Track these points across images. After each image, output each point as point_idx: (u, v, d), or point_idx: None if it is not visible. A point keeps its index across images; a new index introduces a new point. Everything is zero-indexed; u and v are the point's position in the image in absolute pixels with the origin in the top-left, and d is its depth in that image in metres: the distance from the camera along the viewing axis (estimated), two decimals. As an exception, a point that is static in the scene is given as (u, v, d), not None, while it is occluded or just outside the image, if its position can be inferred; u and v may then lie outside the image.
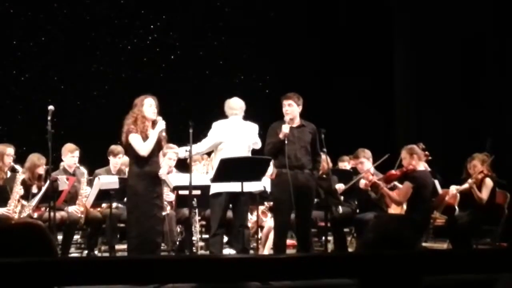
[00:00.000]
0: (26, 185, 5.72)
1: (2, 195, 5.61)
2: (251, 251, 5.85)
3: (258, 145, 5.54)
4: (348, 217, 6.18)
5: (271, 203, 6.24)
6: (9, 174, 5.78)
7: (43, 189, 5.60)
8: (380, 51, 9.51)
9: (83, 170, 6.23)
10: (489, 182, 6.07)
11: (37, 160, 5.85)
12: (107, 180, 5.90)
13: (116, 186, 5.79)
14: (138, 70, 9.43)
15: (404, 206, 5.87)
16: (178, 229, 6.47)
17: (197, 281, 1.49)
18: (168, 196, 6.20)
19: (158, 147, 5.05)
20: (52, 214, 5.29)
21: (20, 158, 5.95)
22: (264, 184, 5.61)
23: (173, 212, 6.28)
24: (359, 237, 6.04)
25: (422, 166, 5.95)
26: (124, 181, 5.57)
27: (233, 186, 5.15)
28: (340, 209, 6.16)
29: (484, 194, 6.05)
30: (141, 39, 9.69)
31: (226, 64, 9.83)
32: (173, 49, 9.79)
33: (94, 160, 6.76)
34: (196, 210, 6.05)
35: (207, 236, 6.16)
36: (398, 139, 8.73)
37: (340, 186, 6.11)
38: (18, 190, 5.62)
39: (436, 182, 6.35)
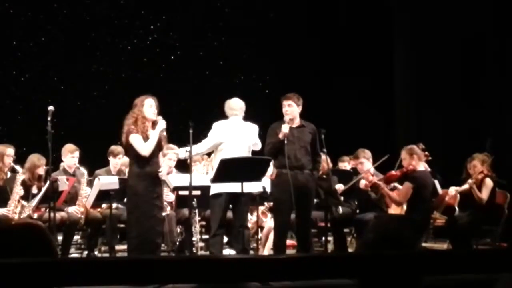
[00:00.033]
0: (26, 185, 5.72)
1: (2, 195, 5.61)
2: (251, 252, 5.85)
3: (258, 146, 5.54)
4: (348, 218, 6.18)
5: (271, 203, 6.24)
6: (9, 174, 5.78)
7: (43, 189, 5.60)
8: (380, 51, 9.51)
9: (83, 170, 6.23)
10: (489, 182, 6.07)
11: (37, 160, 5.85)
12: (107, 181, 5.90)
13: (116, 186, 5.79)
14: (138, 70, 9.43)
15: (404, 207, 5.87)
16: (178, 230, 6.47)
17: (197, 282, 1.48)
18: (168, 196, 6.20)
19: (158, 147, 5.05)
20: (52, 214, 5.29)
21: (20, 159, 5.95)
22: (264, 184, 5.61)
23: (173, 212, 6.28)
24: (359, 238, 6.04)
25: (422, 166, 5.95)
26: (124, 181, 5.57)
27: (233, 187, 5.15)
28: (340, 209, 6.16)
29: (484, 194, 6.05)
30: (141, 39, 9.69)
31: (226, 64, 9.83)
32: (173, 49, 9.79)
33: (94, 160, 6.76)
34: (196, 211, 6.05)
35: (207, 236, 6.16)
36: (398, 139, 8.73)
37: (339, 187, 6.11)
38: (18, 190, 5.62)
39: (436, 182, 6.35)
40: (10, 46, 9.10)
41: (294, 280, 1.62)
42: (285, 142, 5.22)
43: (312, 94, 7.27)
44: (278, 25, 9.70)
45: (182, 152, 5.50)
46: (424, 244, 6.55)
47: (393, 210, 5.97)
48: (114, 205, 6.16)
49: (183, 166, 6.09)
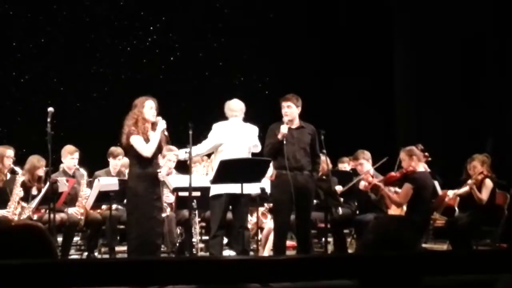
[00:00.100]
0: (26, 187, 5.72)
1: (2, 197, 5.62)
2: (251, 253, 5.85)
3: (258, 148, 5.54)
4: (348, 218, 6.18)
5: (271, 204, 6.24)
6: (9, 176, 5.78)
7: (43, 191, 5.60)
8: (380, 51, 9.51)
9: (83, 171, 6.23)
10: (489, 183, 6.07)
11: (36, 162, 5.85)
12: (107, 182, 5.90)
13: (116, 187, 5.79)
14: (138, 72, 9.43)
15: (404, 208, 5.87)
16: (178, 231, 6.47)
17: (197, 283, 1.48)
18: (168, 197, 6.20)
19: (158, 148, 5.06)
20: (52, 215, 5.29)
21: (20, 160, 5.95)
22: (264, 185, 5.61)
23: (173, 213, 6.28)
24: (359, 238, 6.04)
25: (422, 167, 5.95)
26: (123, 182, 5.57)
27: (233, 188, 5.15)
28: (340, 210, 6.16)
29: (484, 195, 6.05)
30: (141, 40, 9.69)
31: (226, 65, 9.84)
32: (172, 50, 9.79)
33: (93, 161, 6.76)
34: (196, 212, 6.05)
35: (207, 237, 6.16)
36: (398, 139, 8.74)
37: (338, 188, 6.10)
38: (18, 192, 5.62)
39: (436, 183, 6.35)
40: (10, 47, 9.10)
41: (294, 281, 1.61)
42: (284, 143, 5.22)
43: (312, 94, 7.27)
44: (278, 25, 9.70)
45: (182, 153, 5.50)
46: (424, 245, 6.55)
47: (393, 211, 5.97)
48: (114, 206, 6.16)
49: (183, 167, 6.09)
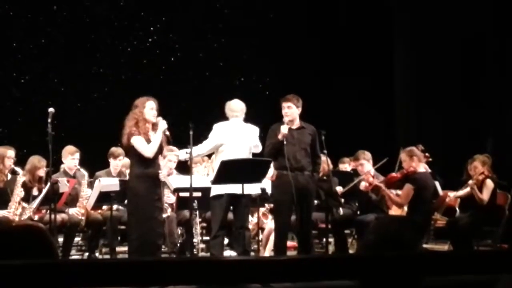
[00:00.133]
0: (26, 187, 5.72)
1: (2, 197, 5.62)
2: (252, 253, 5.85)
3: (258, 148, 5.55)
4: (348, 219, 6.18)
5: (272, 205, 6.24)
6: (9, 176, 5.78)
7: (44, 191, 5.60)
8: (380, 51, 9.51)
9: (84, 172, 6.23)
10: (489, 183, 6.06)
11: (37, 162, 5.85)
12: (108, 182, 5.90)
13: (117, 188, 5.78)
14: (138, 72, 9.43)
15: (405, 208, 5.87)
16: (179, 231, 6.47)
17: (198, 283, 1.48)
18: (169, 198, 6.20)
19: (159, 149, 5.06)
20: (52, 216, 5.30)
21: (20, 161, 5.95)
22: (265, 186, 5.61)
23: (174, 214, 6.28)
24: (360, 239, 6.04)
25: (423, 167, 5.95)
26: (124, 183, 5.57)
27: (234, 188, 5.15)
28: (341, 210, 6.16)
29: (485, 195, 6.04)
30: (141, 40, 9.69)
31: (226, 66, 9.84)
32: (173, 51, 9.79)
33: (94, 162, 6.76)
34: (197, 212, 6.05)
35: (207, 238, 6.16)
36: (398, 140, 8.73)
37: (339, 189, 6.10)
38: (19, 192, 5.62)
39: (437, 183, 6.35)
40: (10, 48, 9.10)
41: (295, 282, 1.61)
42: (285, 143, 5.22)
43: (312, 94, 7.27)
44: (278, 25, 9.70)
45: (183, 154, 5.50)
46: (425, 245, 6.55)
47: (394, 211, 5.97)
48: (115, 206, 6.15)
49: (184, 167, 6.09)
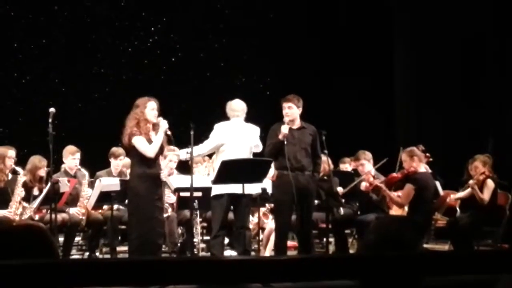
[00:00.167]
0: (27, 187, 5.72)
1: (3, 197, 5.62)
2: (252, 253, 5.85)
3: (259, 148, 5.55)
4: (349, 219, 6.18)
5: (272, 204, 6.24)
6: (10, 176, 5.78)
7: (44, 191, 5.60)
8: (380, 51, 9.51)
9: (84, 172, 6.24)
10: (490, 183, 6.06)
11: (38, 162, 5.85)
12: (108, 182, 5.90)
13: (117, 188, 5.79)
14: (139, 72, 9.43)
15: (406, 208, 5.87)
16: (179, 231, 6.47)
17: (198, 283, 1.49)
18: (169, 198, 6.20)
19: (160, 149, 5.07)
20: (53, 216, 5.30)
21: (21, 160, 5.96)
22: (265, 186, 5.61)
23: (174, 214, 6.28)
24: (360, 239, 6.04)
25: (423, 167, 5.94)
26: (125, 183, 5.58)
27: (234, 188, 5.15)
28: (342, 210, 6.16)
29: (486, 195, 6.04)
30: (142, 41, 9.69)
31: (227, 66, 9.84)
32: (173, 51, 9.80)
33: (95, 162, 6.76)
34: (197, 212, 6.05)
35: (208, 237, 6.16)
36: (398, 140, 8.73)
37: (340, 190, 6.10)
38: (19, 192, 5.62)
39: (438, 183, 6.35)
40: (11, 48, 9.11)
41: (295, 281, 1.61)
42: (285, 143, 5.22)
43: (312, 94, 7.26)
44: (278, 25, 9.70)
45: (183, 153, 5.50)
46: (425, 245, 6.55)
47: (395, 211, 5.97)
48: (115, 206, 6.16)
49: (185, 167, 6.09)
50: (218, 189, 5.25)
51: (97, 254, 6.31)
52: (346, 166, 6.96)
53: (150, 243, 4.93)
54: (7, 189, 5.65)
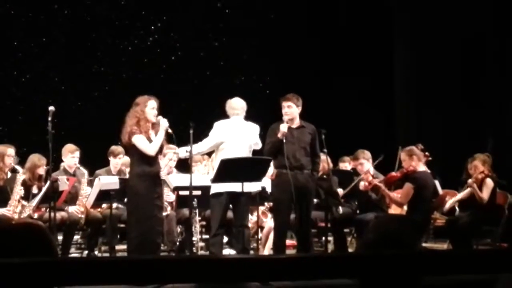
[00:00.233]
0: (26, 185, 5.72)
1: (2, 195, 5.62)
2: (251, 252, 5.85)
3: (258, 145, 5.55)
4: (348, 218, 6.18)
5: (271, 203, 6.24)
6: (9, 174, 5.78)
7: (44, 189, 5.60)
8: (380, 51, 9.51)
9: (84, 170, 6.23)
10: (489, 183, 6.07)
11: (37, 160, 5.85)
12: (108, 181, 5.90)
13: (117, 186, 5.79)
14: (139, 71, 9.44)
15: (405, 207, 5.87)
16: (178, 230, 6.47)
17: (197, 282, 1.49)
18: (169, 196, 6.20)
19: (160, 148, 5.07)
20: (52, 214, 5.30)
21: (20, 159, 5.96)
22: (264, 184, 5.60)
23: (174, 212, 6.28)
24: (359, 238, 6.04)
25: (423, 167, 5.95)
26: (124, 181, 5.58)
27: (233, 186, 5.15)
28: (341, 209, 6.16)
29: (485, 194, 6.05)
30: (142, 40, 9.69)
31: (227, 65, 9.84)
32: (173, 50, 9.80)
33: (94, 160, 6.76)
34: (197, 211, 6.05)
35: (207, 236, 6.16)
36: (398, 139, 8.74)
37: (340, 191, 6.10)
38: (19, 190, 5.62)
39: (437, 182, 6.35)
40: (11, 46, 9.11)
41: (294, 280, 1.62)
42: (284, 141, 5.22)
43: (312, 94, 7.27)
44: (278, 25, 9.70)
45: (183, 152, 5.50)
46: (424, 244, 6.55)
47: (394, 210, 5.97)
48: (115, 205, 6.16)
49: (184, 166, 6.09)
50: (217, 188, 5.25)
51: (96, 252, 6.31)
52: (346, 165, 6.96)
53: (150, 241, 4.93)
54: (6, 187, 5.65)
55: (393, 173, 5.99)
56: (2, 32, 8.95)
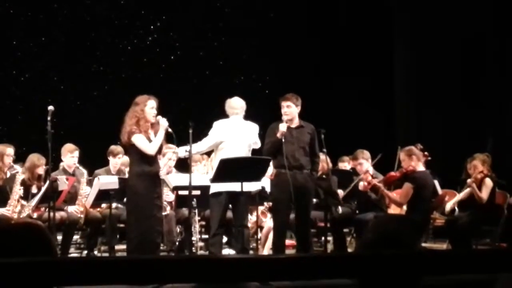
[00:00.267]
0: (25, 185, 5.72)
1: (2, 195, 5.62)
2: (251, 251, 5.85)
3: (257, 145, 5.54)
4: (347, 218, 6.18)
5: (271, 203, 6.24)
6: (8, 174, 5.78)
7: (43, 189, 5.60)
8: (380, 51, 9.51)
9: (83, 170, 6.23)
10: (489, 182, 6.07)
11: (37, 160, 5.85)
12: (107, 180, 5.90)
13: (116, 186, 5.79)
14: (138, 70, 9.44)
15: (404, 207, 5.87)
16: (178, 229, 6.47)
17: (196, 281, 1.48)
18: (168, 196, 6.20)
19: (159, 147, 5.06)
20: (51, 214, 5.30)
21: (20, 158, 5.95)
22: (264, 184, 5.60)
23: (173, 212, 6.28)
24: (359, 238, 6.04)
25: (422, 166, 5.95)
26: (123, 181, 5.57)
27: (233, 186, 5.15)
28: (340, 209, 6.16)
29: (484, 194, 6.05)
30: (141, 39, 9.69)
31: (226, 65, 9.84)
32: (173, 50, 9.80)
33: (93, 160, 6.76)
34: (196, 210, 6.05)
35: (206, 236, 6.16)
36: (398, 139, 8.74)
37: (340, 192, 6.10)
38: (18, 190, 5.62)
39: (436, 182, 6.36)
40: (10, 46, 9.11)
41: (294, 280, 1.61)
42: (283, 141, 5.22)
43: (312, 94, 7.27)
44: (278, 25, 9.70)
45: (182, 151, 5.49)
46: (423, 244, 6.55)
47: (393, 210, 5.97)
48: (114, 204, 6.16)
49: (183, 166, 6.09)
50: (217, 187, 5.25)
51: (96, 252, 6.31)
52: (345, 165, 6.97)
53: (149, 241, 4.93)
54: (5, 187, 5.65)
55: (393, 173, 5.99)
56: (1, 31, 8.95)
